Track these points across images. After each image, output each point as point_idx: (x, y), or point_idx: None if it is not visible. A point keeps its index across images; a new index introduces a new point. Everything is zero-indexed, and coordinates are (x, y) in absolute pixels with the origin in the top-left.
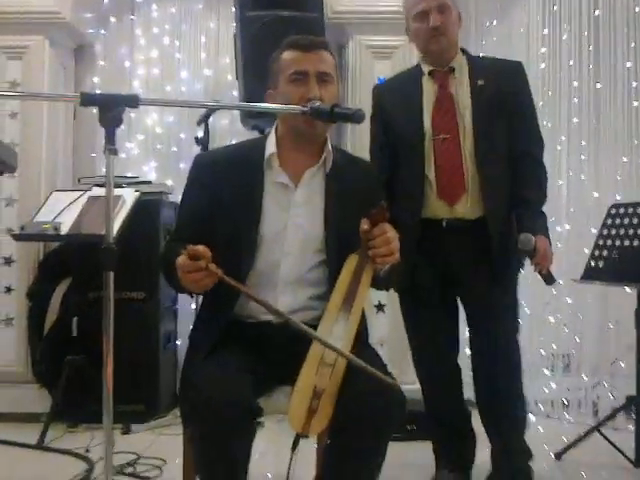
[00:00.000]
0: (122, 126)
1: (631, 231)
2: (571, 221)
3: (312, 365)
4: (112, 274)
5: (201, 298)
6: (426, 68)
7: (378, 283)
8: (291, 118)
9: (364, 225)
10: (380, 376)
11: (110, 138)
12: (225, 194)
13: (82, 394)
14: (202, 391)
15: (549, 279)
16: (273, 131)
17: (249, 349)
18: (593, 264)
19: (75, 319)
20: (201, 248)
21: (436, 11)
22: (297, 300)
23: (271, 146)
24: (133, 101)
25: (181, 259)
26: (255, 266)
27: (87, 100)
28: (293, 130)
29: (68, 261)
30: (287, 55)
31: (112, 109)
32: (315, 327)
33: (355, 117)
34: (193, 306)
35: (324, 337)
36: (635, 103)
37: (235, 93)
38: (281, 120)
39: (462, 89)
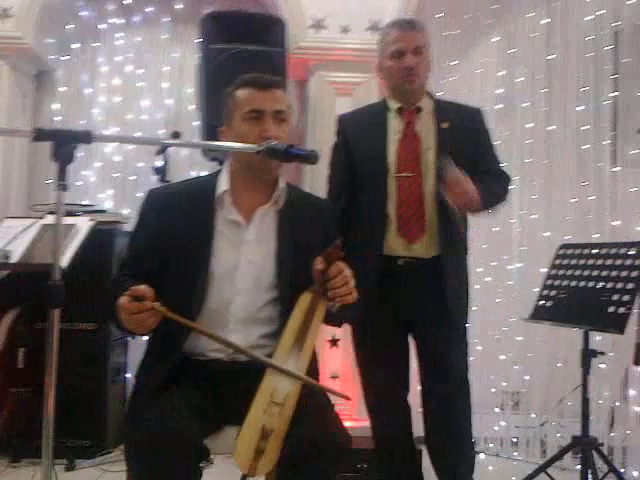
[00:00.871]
0: (80, 153)
1: (578, 272)
2: (522, 260)
3: (261, 404)
4: (58, 311)
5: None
6: (393, 105)
7: (330, 320)
8: (245, 156)
9: (319, 264)
10: (333, 391)
11: (61, 174)
12: (176, 231)
13: (26, 427)
14: (147, 431)
15: (454, 215)
16: (226, 168)
17: (198, 387)
18: (542, 304)
19: (22, 350)
20: (143, 288)
21: (412, 52)
22: (248, 338)
23: (223, 184)
24: (86, 137)
25: (123, 300)
26: (206, 304)
27: (41, 136)
28: (246, 168)
29: (17, 290)
30: (243, 93)
31: (65, 145)
32: (264, 366)
33: (310, 158)
34: (145, 338)
35: (274, 377)
36: (585, 146)
37: (196, 123)
38: (234, 158)
39: (427, 129)
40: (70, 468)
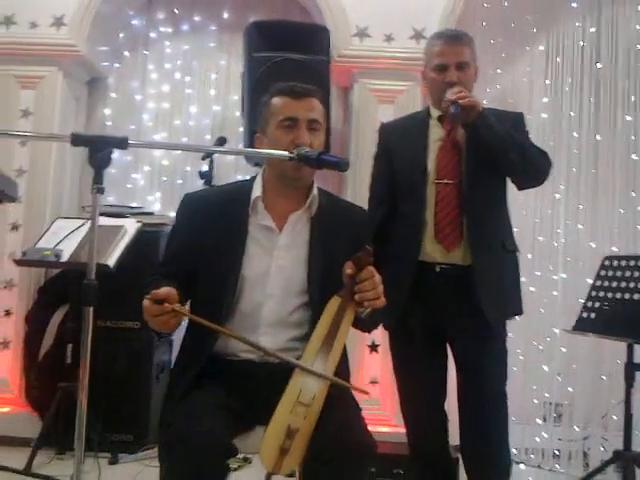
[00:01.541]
0: (129, 157)
1: (623, 284)
2: (567, 270)
3: (288, 404)
4: (92, 309)
5: (183, 334)
6: (435, 113)
7: (360, 325)
8: (278, 163)
9: (348, 269)
10: (355, 387)
11: (98, 178)
12: (210, 235)
13: (72, 421)
14: (177, 429)
15: (456, 114)
16: (260, 174)
17: (229, 387)
18: (585, 315)
19: (70, 346)
20: (163, 291)
21: (455, 67)
22: (278, 341)
23: (257, 189)
24: (122, 143)
25: (146, 303)
26: (238, 307)
27: (77, 141)
28: (280, 174)
29: (67, 288)
30: (278, 101)
31: (101, 150)
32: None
33: (341, 165)
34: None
35: (302, 377)
36: (633, 156)
37: (241, 129)
38: (268, 164)
39: (467, 139)
40: (113, 462)
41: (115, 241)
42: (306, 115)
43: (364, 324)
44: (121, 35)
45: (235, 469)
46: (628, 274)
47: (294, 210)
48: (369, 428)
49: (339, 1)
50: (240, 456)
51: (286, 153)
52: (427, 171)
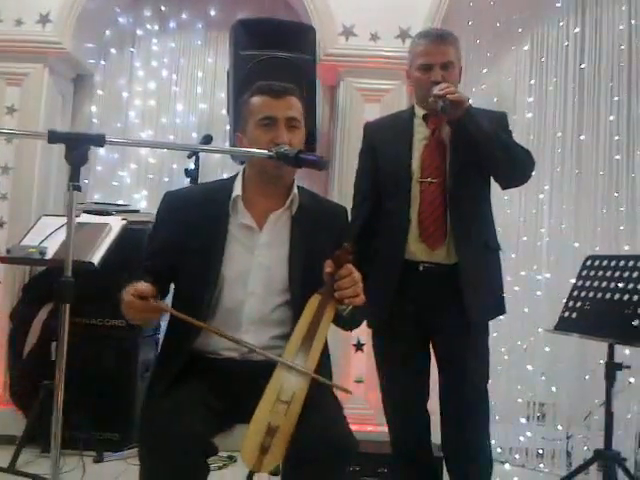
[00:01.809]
0: (116, 154)
1: (604, 284)
2: (551, 270)
3: (268, 402)
4: (68, 306)
5: (164, 332)
6: (420, 112)
7: (341, 323)
8: (259, 161)
9: (328, 267)
10: (338, 386)
11: (74, 175)
12: (190, 233)
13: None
14: (157, 427)
15: (444, 108)
16: (240, 173)
17: (210, 385)
18: (567, 315)
19: (54, 344)
20: (143, 287)
21: (439, 67)
22: (260, 339)
23: (237, 188)
24: (99, 141)
25: (129, 298)
26: (219, 305)
27: (54, 138)
28: (260, 173)
29: (51, 285)
30: (257, 100)
31: (78, 147)
32: (275, 365)
33: (319, 163)
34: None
35: (282, 375)
36: (617, 156)
37: (228, 127)
38: (249, 163)
39: (452, 137)
40: (98, 460)
41: (100, 239)
42: (285, 114)
43: (345, 322)
44: (107, 32)
45: (220, 467)
46: (609, 274)
47: (274, 209)
48: (355, 427)
49: (325, 0)
50: (225, 454)
51: (266, 152)
52: (411, 170)
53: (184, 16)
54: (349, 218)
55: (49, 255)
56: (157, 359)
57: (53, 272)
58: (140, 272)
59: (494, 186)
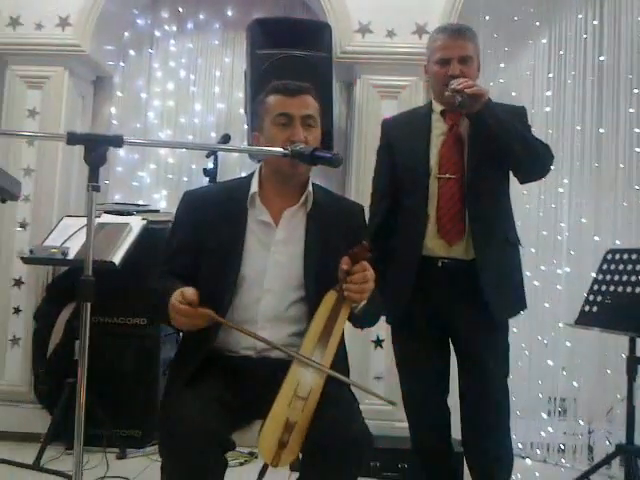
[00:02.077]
0: (135, 155)
1: (625, 277)
2: (571, 264)
3: (285, 397)
4: (89, 305)
5: None
6: (438, 107)
7: (355, 320)
8: (274, 159)
9: (344, 264)
10: (355, 383)
11: (93, 176)
12: (210, 231)
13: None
14: (175, 422)
15: (463, 103)
16: (257, 171)
17: (227, 382)
18: (587, 309)
19: (77, 342)
20: (189, 293)
21: (457, 61)
22: (276, 336)
23: (254, 185)
24: (117, 141)
25: (178, 304)
26: (236, 302)
27: (73, 139)
28: (276, 170)
29: (74, 285)
30: (273, 99)
31: (96, 148)
32: (291, 362)
33: (334, 161)
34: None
35: (299, 371)
36: (637, 149)
37: (245, 126)
38: (265, 161)
39: (470, 132)
40: (121, 456)
41: (121, 238)
42: (300, 112)
43: (356, 320)
44: (126, 34)
45: (241, 463)
46: (630, 267)
47: (290, 205)
48: (374, 422)
49: None
50: (245, 451)
51: (281, 150)
52: (430, 166)
53: (201, 16)
54: (366, 216)
55: (71, 255)
56: (175, 357)
57: (75, 272)
58: (164, 273)
59: (513, 180)
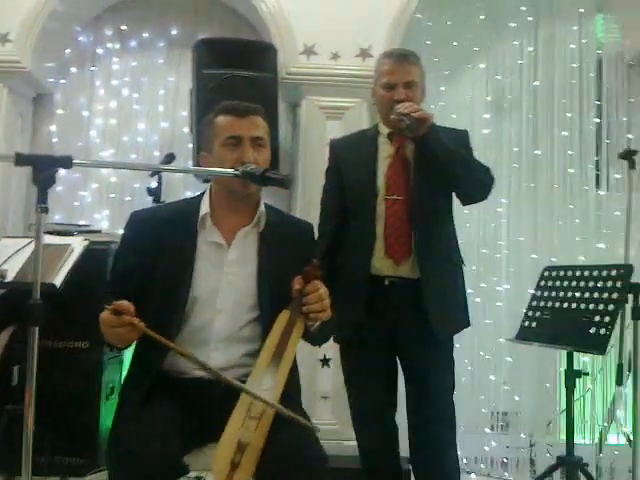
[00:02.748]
0: (77, 174)
1: (562, 293)
2: (510, 281)
3: (238, 418)
4: (37, 329)
5: (132, 352)
6: (384, 130)
7: (309, 339)
8: (225, 180)
9: (297, 283)
10: (301, 421)
11: (42, 197)
12: (159, 252)
13: (20, 445)
14: (128, 446)
15: (409, 127)
16: (207, 192)
17: (179, 405)
18: (527, 324)
19: (16, 368)
20: (125, 303)
21: (402, 85)
22: (230, 357)
23: (205, 206)
24: (66, 162)
25: (104, 314)
26: (188, 324)
27: (21, 160)
28: (227, 191)
29: (12, 309)
30: (221, 120)
31: (46, 169)
32: (244, 383)
33: (285, 182)
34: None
35: (252, 389)
36: (570, 170)
37: (190, 145)
38: (215, 181)
39: (416, 154)
40: None
41: (62, 260)
42: (250, 133)
43: (313, 338)
44: (67, 51)
45: None
46: (566, 284)
47: (242, 226)
48: (323, 442)
49: (286, 19)
50: (192, 475)
51: (232, 171)
52: (377, 187)
53: (145, 35)
54: (315, 235)
55: (10, 277)
56: (125, 379)
57: (13, 295)
58: (108, 295)
59: (455, 201)
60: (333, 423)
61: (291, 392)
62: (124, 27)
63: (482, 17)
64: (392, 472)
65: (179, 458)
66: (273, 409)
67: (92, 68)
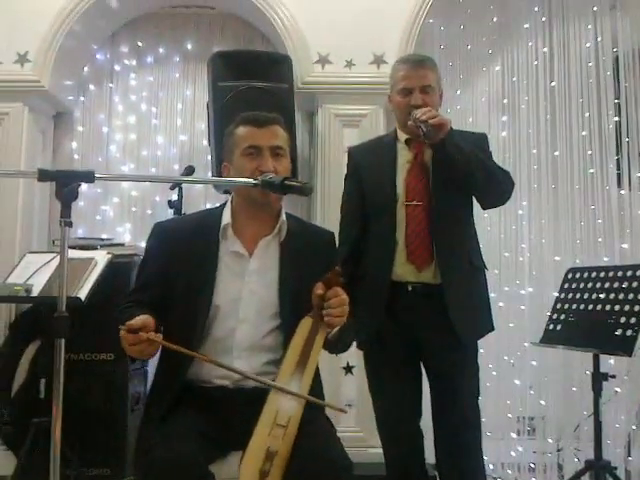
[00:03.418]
0: (99, 189)
1: (586, 295)
2: (533, 284)
3: (265, 426)
4: (63, 341)
5: (156, 363)
6: (402, 136)
7: (329, 346)
8: (246, 190)
9: (318, 289)
10: (334, 406)
11: (65, 211)
12: (181, 263)
13: (48, 457)
14: (155, 457)
15: (427, 134)
16: (229, 202)
17: (203, 414)
18: (551, 327)
19: (43, 381)
20: (139, 320)
21: (419, 90)
22: (253, 366)
23: (226, 216)
24: (89, 177)
25: (122, 333)
26: (210, 333)
27: (44, 176)
28: (247, 201)
29: (39, 323)
30: (241, 130)
31: (68, 184)
32: (268, 391)
33: (304, 190)
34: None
35: (277, 399)
36: (591, 170)
37: (209, 157)
38: (236, 191)
39: (434, 160)
40: None
41: (86, 274)
42: (269, 142)
43: (331, 346)
44: (85, 69)
45: None
46: (590, 285)
47: (264, 235)
48: (347, 450)
49: (300, 30)
50: None
51: (251, 180)
52: (397, 193)
53: (161, 50)
54: (337, 242)
55: (35, 292)
56: (150, 390)
57: (39, 309)
58: (130, 305)
59: (475, 205)
60: (358, 430)
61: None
62: (140, 43)
63: (495, 19)
64: (418, 479)
65: (205, 466)
66: (301, 405)
67: (110, 85)
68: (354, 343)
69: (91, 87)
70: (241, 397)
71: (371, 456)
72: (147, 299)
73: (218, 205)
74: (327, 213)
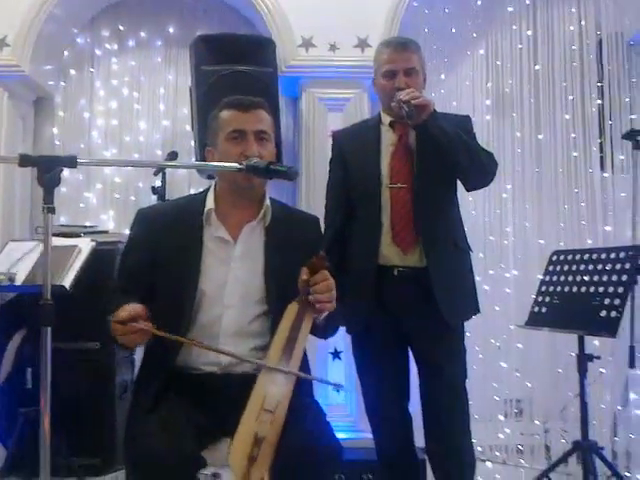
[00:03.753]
0: (81, 175)
1: (571, 277)
2: (518, 267)
3: (253, 412)
4: (49, 330)
5: (143, 351)
6: (387, 119)
7: (317, 331)
8: (230, 174)
9: (304, 274)
10: (325, 380)
11: (48, 197)
12: (165, 249)
13: (37, 447)
14: (144, 444)
15: (409, 114)
16: (212, 187)
17: (192, 401)
18: (536, 310)
19: (29, 370)
20: (125, 314)
21: (403, 73)
22: (239, 351)
23: (210, 202)
24: (71, 162)
25: (114, 324)
26: (197, 320)
27: (25, 161)
28: (231, 186)
29: (23, 311)
30: (225, 114)
31: (50, 170)
32: (257, 376)
33: (289, 174)
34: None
35: (265, 385)
36: (574, 153)
37: (192, 143)
38: (220, 176)
39: (418, 142)
40: None
41: (70, 261)
42: (254, 127)
43: (320, 330)
44: (66, 53)
45: None
46: (575, 268)
47: (248, 220)
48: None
49: (283, 13)
50: (209, 472)
51: (235, 165)
52: (381, 176)
53: (143, 34)
54: (322, 227)
55: (19, 281)
56: (138, 377)
57: (23, 298)
58: (117, 293)
59: (460, 189)
60: (346, 414)
61: (303, 385)
62: (121, 27)
63: (479, 3)
64: (408, 462)
65: (196, 453)
66: (289, 390)
67: (91, 69)
68: (342, 328)
69: (72, 72)
70: (230, 383)
71: (362, 441)
72: (133, 287)
73: (202, 190)
74: (312, 198)
